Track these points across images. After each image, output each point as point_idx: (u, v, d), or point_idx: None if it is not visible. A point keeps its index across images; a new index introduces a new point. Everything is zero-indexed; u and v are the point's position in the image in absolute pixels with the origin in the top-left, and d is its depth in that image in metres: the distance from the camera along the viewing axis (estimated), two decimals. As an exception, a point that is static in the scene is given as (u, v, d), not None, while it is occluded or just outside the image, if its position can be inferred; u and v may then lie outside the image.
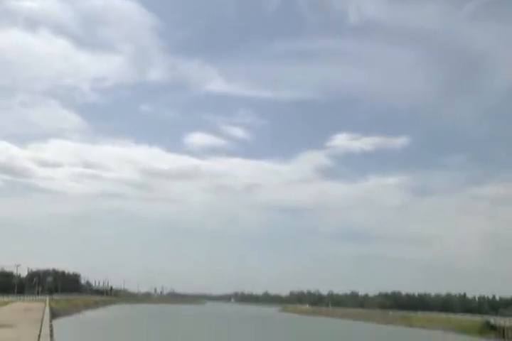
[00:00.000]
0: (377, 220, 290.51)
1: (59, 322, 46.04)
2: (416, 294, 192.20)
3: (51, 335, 14.10)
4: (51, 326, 18.56)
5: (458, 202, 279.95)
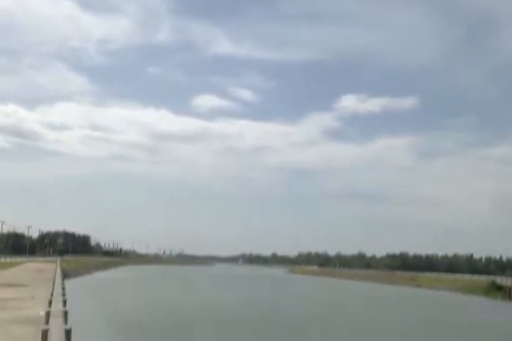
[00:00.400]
0: (385, 182, 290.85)
1: (70, 283, 46.60)
2: (423, 255, 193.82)
3: (63, 294, 14.10)
4: (63, 285, 18.62)
5: (466, 164, 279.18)
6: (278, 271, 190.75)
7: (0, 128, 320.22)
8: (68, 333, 6.77)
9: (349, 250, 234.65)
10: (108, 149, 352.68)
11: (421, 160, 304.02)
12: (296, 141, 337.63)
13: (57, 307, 9.62)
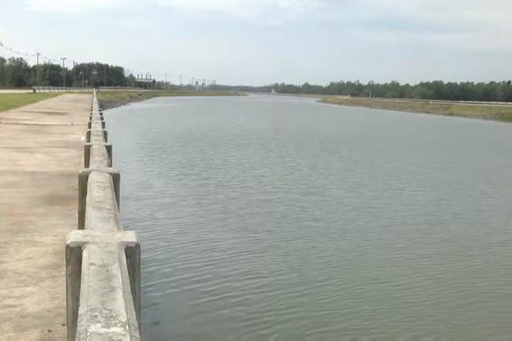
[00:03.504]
0: (426, 6, 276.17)
1: (106, 113, 48.10)
2: (458, 83, 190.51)
3: (101, 118, 14.67)
4: (101, 112, 19.28)
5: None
6: (310, 101, 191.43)
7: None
8: (109, 148, 7.26)
9: (382, 79, 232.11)
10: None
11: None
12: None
13: (96, 128, 10.07)
